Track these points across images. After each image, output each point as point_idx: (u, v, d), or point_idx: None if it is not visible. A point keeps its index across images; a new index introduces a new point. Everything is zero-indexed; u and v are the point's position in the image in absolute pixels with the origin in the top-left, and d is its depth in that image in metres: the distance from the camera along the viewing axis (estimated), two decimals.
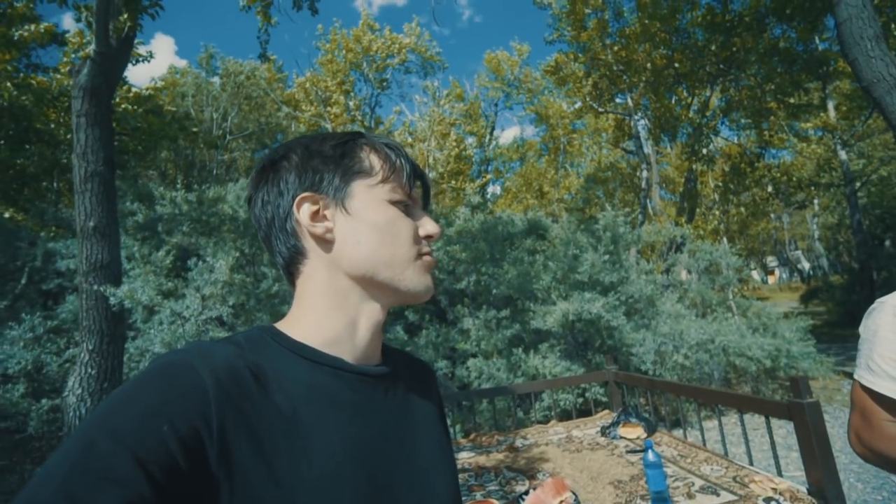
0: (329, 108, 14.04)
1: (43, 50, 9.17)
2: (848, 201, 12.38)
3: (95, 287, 3.20)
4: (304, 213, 0.51)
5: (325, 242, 0.52)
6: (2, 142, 7.56)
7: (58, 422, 3.93)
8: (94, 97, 3.37)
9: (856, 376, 0.91)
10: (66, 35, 9.17)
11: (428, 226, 0.56)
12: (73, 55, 8.98)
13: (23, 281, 5.32)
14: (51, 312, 4.62)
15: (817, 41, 10.49)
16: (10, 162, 7.81)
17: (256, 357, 0.46)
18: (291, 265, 0.54)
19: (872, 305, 0.91)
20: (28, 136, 7.69)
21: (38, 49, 9.01)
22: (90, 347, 3.23)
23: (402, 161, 0.56)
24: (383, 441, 0.50)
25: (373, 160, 0.54)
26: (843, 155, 12.14)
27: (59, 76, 8.56)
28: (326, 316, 0.52)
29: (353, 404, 0.49)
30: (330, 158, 0.53)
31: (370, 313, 0.54)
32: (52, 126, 8.04)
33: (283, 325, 0.52)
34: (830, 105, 12.42)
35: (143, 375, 0.40)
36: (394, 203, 0.54)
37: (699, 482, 1.78)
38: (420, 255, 0.55)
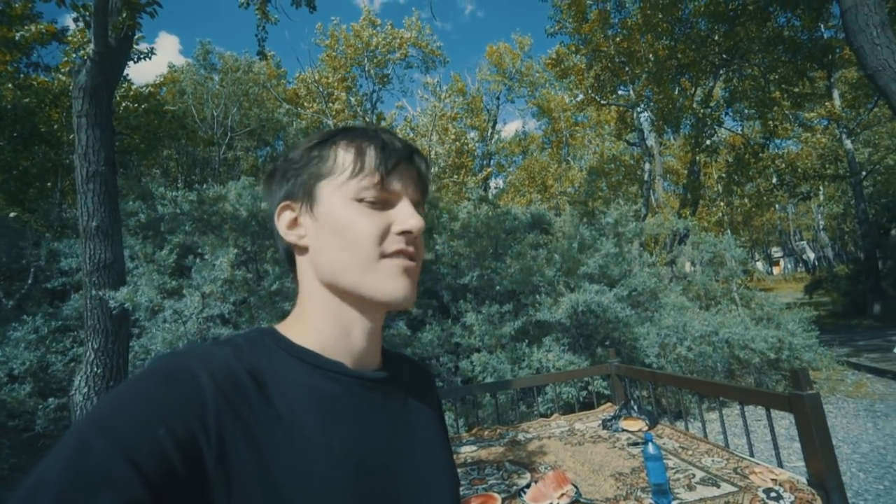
0: (331, 105, 14.00)
1: (44, 49, 9.18)
2: (853, 191, 12.27)
3: (98, 288, 3.23)
4: (282, 221, 0.52)
5: (303, 250, 0.52)
6: (5, 143, 7.60)
7: (65, 420, 3.99)
8: (93, 97, 3.38)
9: None
10: (67, 34, 9.16)
11: (407, 220, 0.49)
12: (74, 54, 8.96)
13: (29, 281, 5.37)
14: (55, 312, 4.67)
15: (822, 29, 10.35)
16: (15, 163, 7.87)
17: (256, 360, 0.45)
18: (291, 269, 0.56)
19: None
20: (31, 137, 7.73)
21: (39, 48, 9.01)
22: (95, 346, 3.27)
23: (373, 149, 0.50)
24: (383, 446, 0.49)
25: (343, 157, 0.50)
26: (848, 144, 12.01)
27: (60, 76, 8.56)
28: (320, 321, 0.51)
29: (352, 409, 0.48)
30: (298, 163, 0.53)
31: (360, 320, 0.52)
32: (56, 127, 8.07)
33: (283, 328, 0.52)
34: (836, 94, 12.28)
35: (139, 376, 0.39)
36: (360, 200, 0.49)
37: (700, 474, 1.79)
38: (386, 255, 0.49)
